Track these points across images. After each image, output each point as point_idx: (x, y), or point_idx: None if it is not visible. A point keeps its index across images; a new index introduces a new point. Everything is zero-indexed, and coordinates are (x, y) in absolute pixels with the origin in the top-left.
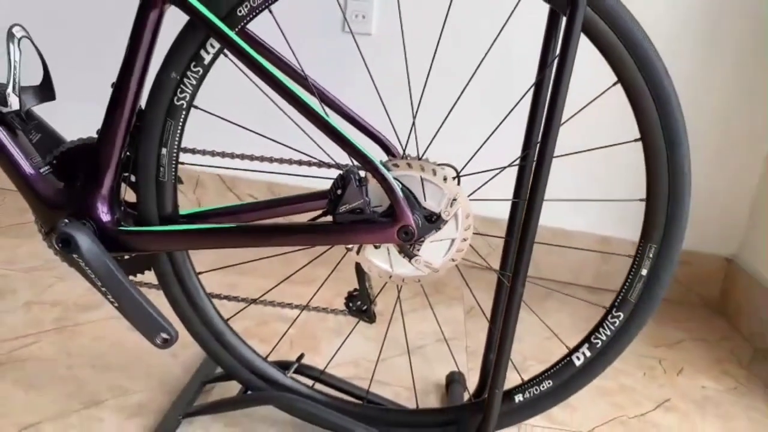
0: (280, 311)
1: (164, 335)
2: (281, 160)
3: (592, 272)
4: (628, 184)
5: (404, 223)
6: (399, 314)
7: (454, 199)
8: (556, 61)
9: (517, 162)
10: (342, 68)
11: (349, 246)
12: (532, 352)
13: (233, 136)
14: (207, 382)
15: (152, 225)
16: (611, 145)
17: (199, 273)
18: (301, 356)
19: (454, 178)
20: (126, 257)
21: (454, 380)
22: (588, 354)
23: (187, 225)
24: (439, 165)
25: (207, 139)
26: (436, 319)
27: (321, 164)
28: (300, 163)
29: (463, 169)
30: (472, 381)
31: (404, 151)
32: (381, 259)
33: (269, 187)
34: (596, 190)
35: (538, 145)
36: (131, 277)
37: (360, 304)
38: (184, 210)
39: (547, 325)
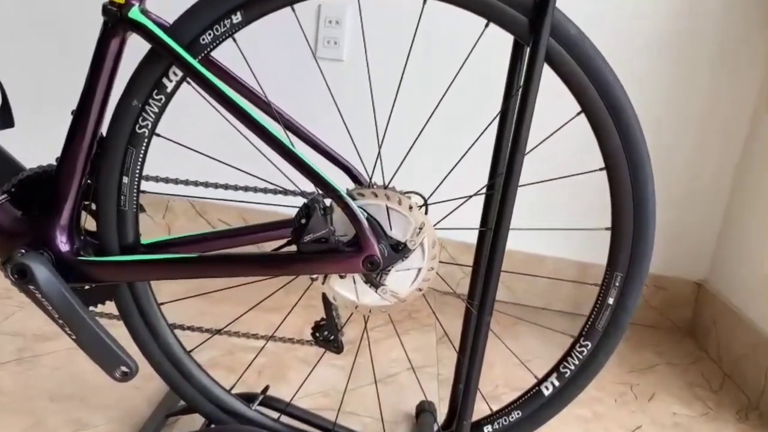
0: (248, 340)
1: (124, 368)
2: (246, 188)
3: (564, 297)
4: (596, 210)
5: (369, 252)
6: (369, 343)
7: (420, 228)
8: (520, 91)
9: (483, 191)
10: (314, 94)
11: (314, 276)
12: (505, 378)
13: (201, 163)
14: (170, 415)
15: (112, 255)
16: (574, 175)
17: (162, 303)
18: (266, 388)
19: (420, 206)
20: (86, 287)
21: (424, 410)
22: (557, 383)
23: (147, 255)
24: (405, 193)
25: (174, 165)
26: (404, 348)
27: (287, 192)
28: (266, 191)
29: (430, 197)
30: (444, 410)
31: (370, 179)
32: (346, 288)
33: (240, 213)
34: (565, 216)
35: (503, 174)
36: (91, 308)
37: (327, 334)
38: (147, 239)
39: (515, 354)
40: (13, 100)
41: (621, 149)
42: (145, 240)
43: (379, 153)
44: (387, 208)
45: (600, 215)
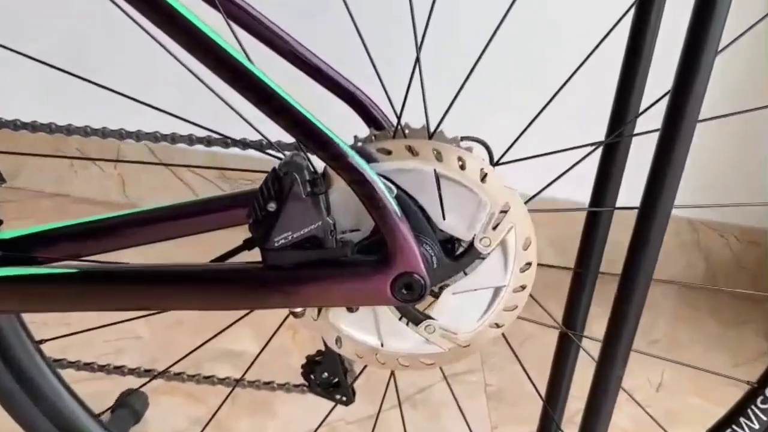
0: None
1: None
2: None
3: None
4: None
5: (404, 268)
6: (393, 405)
7: (503, 213)
8: None
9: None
10: None
11: (297, 310)
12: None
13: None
14: None
15: None
16: None
17: (41, 341)
18: None
19: (495, 164)
20: None
21: None
22: None
23: None
24: (465, 143)
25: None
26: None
27: (247, 145)
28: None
29: (505, 155)
30: None
31: (399, 120)
32: (360, 326)
33: (217, 160)
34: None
35: (670, 102)
36: None
37: (328, 376)
38: (16, 227)
39: (657, 421)
40: None
41: None
42: (5, 231)
43: (417, 63)
44: (437, 176)
45: None
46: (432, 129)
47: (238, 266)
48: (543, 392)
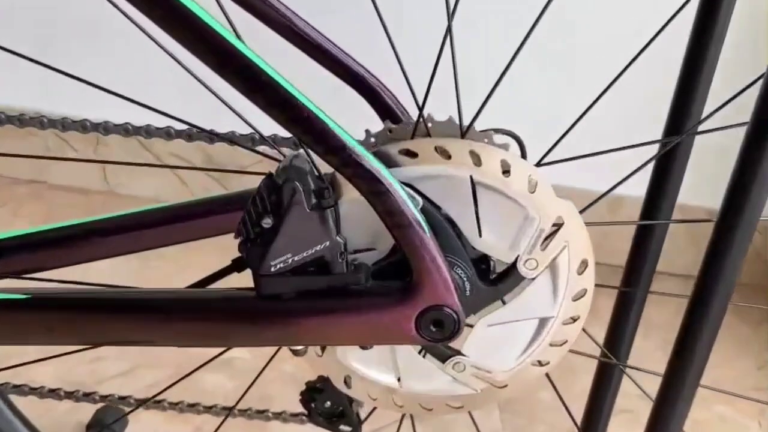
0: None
1: None
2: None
3: None
4: None
5: (433, 301)
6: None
7: (556, 228)
8: None
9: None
10: None
11: (298, 349)
12: None
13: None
14: None
15: None
16: None
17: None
18: None
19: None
20: None
21: None
22: None
23: None
24: (496, 138)
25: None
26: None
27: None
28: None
29: (549, 154)
30: None
31: (421, 111)
32: (373, 363)
33: (202, 148)
34: None
35: (762, 92)
36: None
37: (331, 405)
38: None
39: None
40: None
41: None
42: None
43: (448, 34)
44: (473, 185)
45: None
46: (467, 125)
47: (224, 294)
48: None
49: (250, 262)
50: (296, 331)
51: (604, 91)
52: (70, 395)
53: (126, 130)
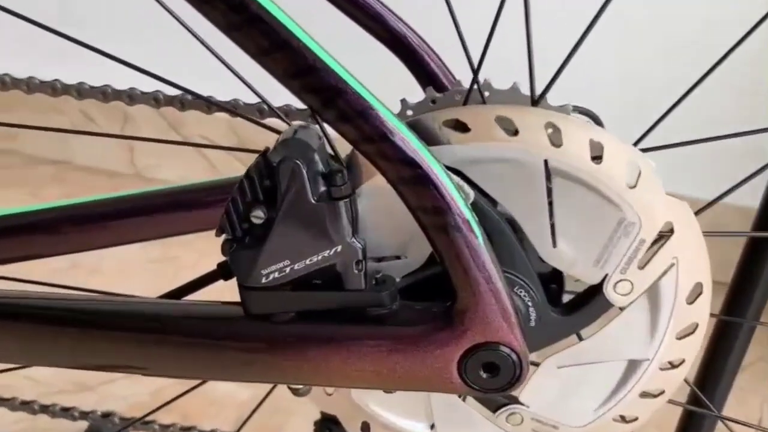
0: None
1: None
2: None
3: None
4: None
5: (485, 337)
6: None
7: (663, 238)
8: None
9: None
10: None
11: (298, 388)
12: None
13: None
14: None
15: None
16: None
17: None
18: None
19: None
20: None
21: None
22: None
23: None
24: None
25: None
26: None
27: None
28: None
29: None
30: None
31: (476, 75)
32: (399, 406)
33: (232, 127)
34: None
35: None
36: None
37: None
38: None
39: None
40: None
41: None
42: None
43: None
44: (548, 172)
45: None
46: (539, 94)
47: (201, 309)
48: None
49: (235, 269)
50: (294, 366)
51: (711, 70)
52: (45, 409)
53: (156, 99)
